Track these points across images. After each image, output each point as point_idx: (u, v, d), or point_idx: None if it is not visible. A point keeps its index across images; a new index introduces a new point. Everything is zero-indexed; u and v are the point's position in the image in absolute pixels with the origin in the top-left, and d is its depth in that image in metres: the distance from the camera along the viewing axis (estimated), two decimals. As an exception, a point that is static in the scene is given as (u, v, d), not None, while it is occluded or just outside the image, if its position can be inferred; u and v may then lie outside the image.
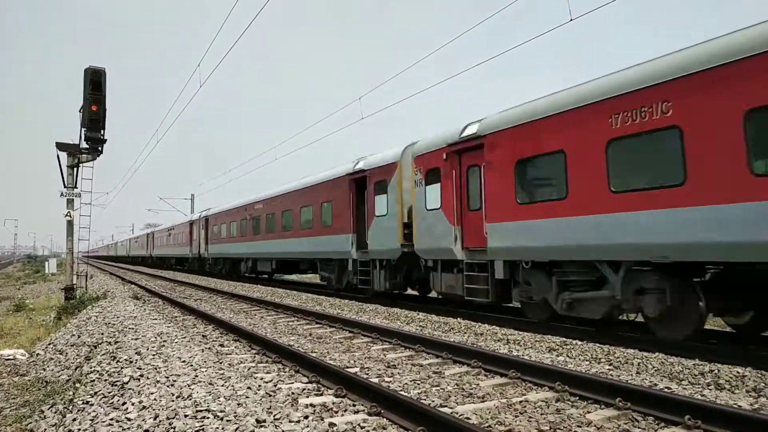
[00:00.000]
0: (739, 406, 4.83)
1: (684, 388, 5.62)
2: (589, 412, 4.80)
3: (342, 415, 4.75)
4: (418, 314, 11.67)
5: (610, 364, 6.87)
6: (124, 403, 5.06)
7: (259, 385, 5.64)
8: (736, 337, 8.83)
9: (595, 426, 4.45)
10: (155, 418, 4.54)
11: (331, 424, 4.40)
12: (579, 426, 4.44)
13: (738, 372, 6.08)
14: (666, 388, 5.57)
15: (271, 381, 5.96)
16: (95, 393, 5.54)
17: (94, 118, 15.06)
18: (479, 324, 10.07)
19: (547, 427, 4.40)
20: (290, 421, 4.44)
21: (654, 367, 6.56)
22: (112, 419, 4.61)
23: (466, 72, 12.75)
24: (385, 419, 4.60)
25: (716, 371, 6.15)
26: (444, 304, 13.54)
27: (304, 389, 5.62)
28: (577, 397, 5.23)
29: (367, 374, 6.27)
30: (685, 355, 7.03)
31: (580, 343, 8.05)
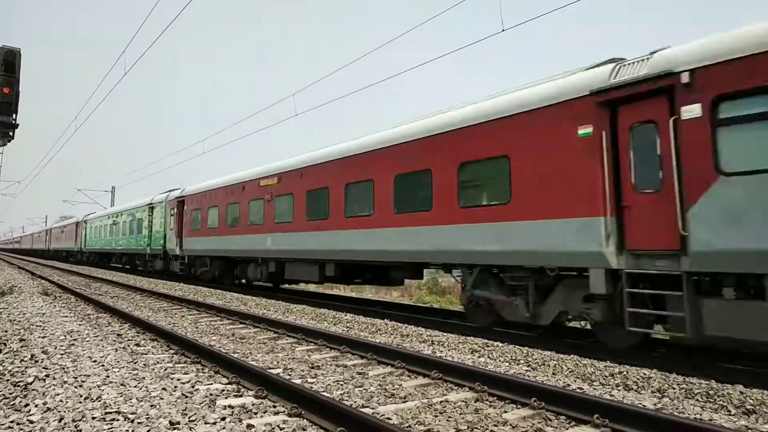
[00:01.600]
0: (644, 406, 5.12)
1: (595, 389, 5.90)
2: (506, 412, 4.94)
3: (261, 416, 4.64)
4: (346, 315, 11.65)
5: (528, 366, 7.10)
6: (27, 405, 4.73)
7: (175, 386, 5.43)
8: (651, 341, 9.35)
9: (510, 425, 4.58)
10: (60, 421, 4.28)
11: (249, 426, 4.29)
12: (495, 425, 4.55)
13: (645, 373, 6.44)
14: (578, 388, 5.82)
15: (188, 382, 5.75)
16: (-7, 394, 5.14)
17: (5, 101, 14.01)
18: (406, 325, 10.16)
19: (465, 427, 4.48)
20: (206, 423, 4.30)
21: (569, 368, 6.84)
22: (12, 422, 4.30)
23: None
24: (305, 420, 4.54)
25: (625, 373, 6.49)
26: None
27: (224, 390, 5.46)
28: (496, 397, 5.37)
29: (290, 375, 6.17)
30: (598, 357, 7.38)
31: (501, 344, 8.27)
